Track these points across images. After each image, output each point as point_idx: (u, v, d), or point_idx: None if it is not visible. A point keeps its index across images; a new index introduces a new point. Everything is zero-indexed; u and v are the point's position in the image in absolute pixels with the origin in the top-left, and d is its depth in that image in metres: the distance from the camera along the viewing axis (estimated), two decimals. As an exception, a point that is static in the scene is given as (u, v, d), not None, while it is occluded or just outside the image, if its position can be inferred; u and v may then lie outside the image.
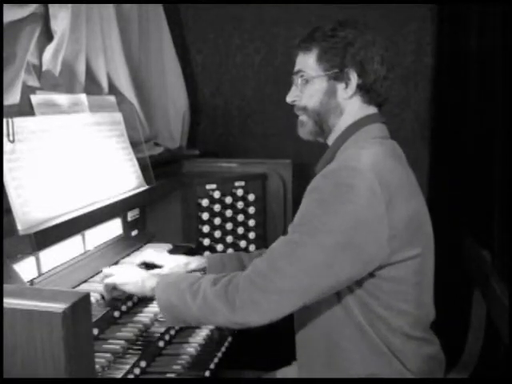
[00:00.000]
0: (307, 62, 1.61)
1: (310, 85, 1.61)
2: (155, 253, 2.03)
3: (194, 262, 1.99)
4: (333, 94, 1.59)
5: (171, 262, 1.96)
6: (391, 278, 1.48)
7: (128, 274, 1.66)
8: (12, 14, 1.83)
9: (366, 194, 1.40)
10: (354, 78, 1.56)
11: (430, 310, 1.62)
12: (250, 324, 1.47)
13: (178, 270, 1.96)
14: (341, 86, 1.58)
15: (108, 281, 1.65)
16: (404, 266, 1.48)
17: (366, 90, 1.57)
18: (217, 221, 2.42)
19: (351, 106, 1.59)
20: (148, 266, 1.96)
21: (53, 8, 2.02)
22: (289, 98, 1.67)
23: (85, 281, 1.80)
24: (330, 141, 1.65)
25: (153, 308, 1.78)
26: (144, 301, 1.83)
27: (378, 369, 1.52)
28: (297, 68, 1.64)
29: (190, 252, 2.27)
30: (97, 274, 1.87)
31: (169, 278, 1.62)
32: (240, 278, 1.48)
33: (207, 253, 2.11)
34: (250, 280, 1.45)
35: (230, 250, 2.45)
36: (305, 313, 1.55)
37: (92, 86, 2.25)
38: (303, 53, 1.62)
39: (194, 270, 1.98)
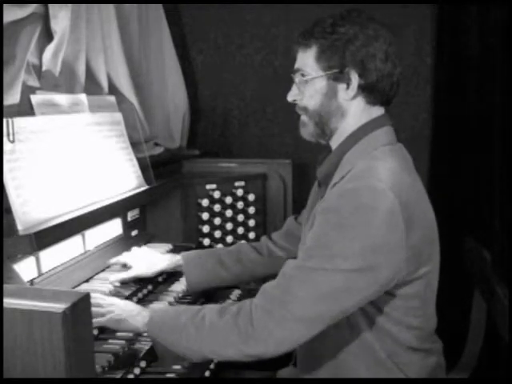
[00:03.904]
0: (306, 61, 1.52)
1: (310, 85, 1.52)
2: (132, 252, 1.99)
3: (162, 262, 1.94)
4: (333, 95, 1.49)
5: (141, 265, 1.91)
6: (403, 295, 1.45)
7: (118, 310, 1.56)
8: (12, 14, 1.83)
9: (387, 216, 1.34)
10: (354, 79, 1.47)
11: (434, 319, 1.59)
12: (265, 355, 1.39)
13: (146, 272, 1.90)
14: (342, 87, 1.48)
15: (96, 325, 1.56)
16: (417, 284, 1.45)
17: (369, 90, 1.48)
18: (217, 221, 2.42)
19: (355, 108, 1.50)
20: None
21: (53, 8, 2.02)
22: (289, 97, 1.59)
23: (85, 281, 1.80)
24: (334, 144, 1.56)
25: (152, 308, 1.78)
26: (144, 301, 1.83)
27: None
28: (296, 66, 1.56)
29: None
30: (97, 273, 1.88)
31: (162, 313, 1.55)
32: (252, 306, 1.40)
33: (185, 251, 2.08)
34: (264, 309, 1.38)
35: (229, 250, 2.45)
36: None
37: (92, 85, 2.25)
38: (302, 50, 1.54)
39: (164, 272, 1.94)
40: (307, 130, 1.58)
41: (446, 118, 2.72)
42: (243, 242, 2.03)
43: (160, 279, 1.98)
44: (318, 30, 1.51)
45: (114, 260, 1.96)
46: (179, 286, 1.95)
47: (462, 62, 2.66)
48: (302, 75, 1.54)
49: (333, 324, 1.41)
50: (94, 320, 1.51)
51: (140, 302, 1.80)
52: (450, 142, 2.72)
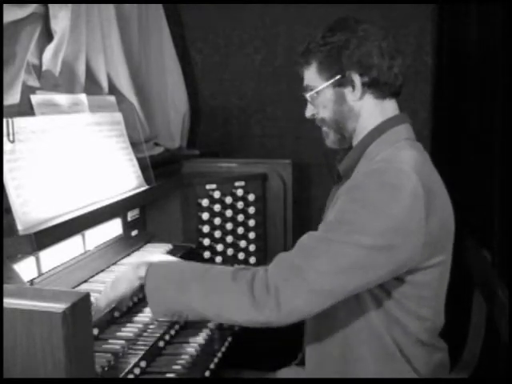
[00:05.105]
0: (311, 76, 1.62)
1: (320, 97, 1.61)
2: (163, 254, 2.02)
3: None
4: (343, 100, 1.58)
5: None
6: (416, 283, 1.47)
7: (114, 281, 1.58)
8: (12, 14, 1.83)
9: (410, 196, 1.38)
10: (357, 79, 1.55)
11: (443, 315, 1.61)
12: (274, 323, 1.40)
13: None
14: (348, 90, 1.57)
15: (101, 304, 1.57)
16: (430, 272, 1.47)
17: (374, 86, 1.56)
18: (217, 221, 2.42)
19: (366, 106, 1.58)
20: None
21: (53, 8, 2.02)
22: (307, 114, 1.68)
23: (85, 281, 1.80)
24: (355, 143, 1.62)
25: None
26: (144, 301, 1.83)
27: (390, 375, 1.51)
28: (304, 84, 1.65)
29: (190, 252, 2.28)
30: (97, 273, 1.88)
31: (162, 265, 1.53)
32: (268, 273, 1.41)
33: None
34: (280, 276, 1.39)
35: (230, 250, 2.45)
36: (319, 316, 1.48)
37: (92, 85, 2.25)
38: (305, 68, 1.63)
39: None
40: (330, 140, 1.67)
41: (446, 118, 2.72)
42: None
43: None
44: (313, 45, 1.60)
45: (154, 258, 1.93)
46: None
47: (461, 62, 2.66)
48: (311, 90, 1.62)
49: (341, 306, 1.44)
50: (95, 305, 1.53)
51: (140, 301, 1.81)
52: (449, 142, 2.72)
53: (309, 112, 1.68)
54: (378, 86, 1.56)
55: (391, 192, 1.38)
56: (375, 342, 1.50)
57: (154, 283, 1.49)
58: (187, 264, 1.59)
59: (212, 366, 1.73)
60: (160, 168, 2.35)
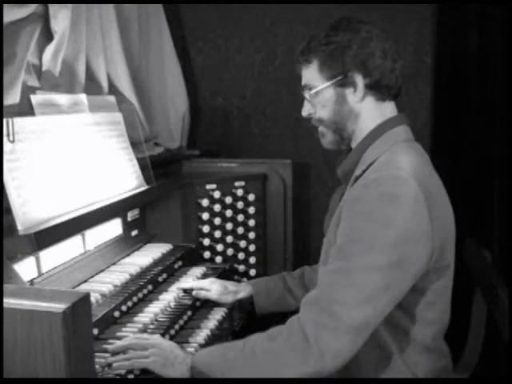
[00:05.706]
0: (311, 75, 1.58)
1: (320, 97, 1.57)
2: (195, 280, 2.03)
3: (243, 290, 1.97)
4: (343, 100, 1.55)
5: (219, 287, 1.94)
6: (422, 288, 1.46)
7: (162, 354, 1.51)
8: (12, 14, 1.83)
9: (412, 203, 1.36)
10: (359, 80, 1.52)
11: (449, 316, 1.60)
12: (323, 371, 1.37)
13: (227, 296, 1.94)
14: (349, 91, 1.54)
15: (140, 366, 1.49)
16: (437, 276, 1.46)
17: (376, 88, 1.53)
18: (217, 221, 2.42)
19: (366, 108, 1.55)
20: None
21: (53, 8, 2.02)
22: (304, 113, 1.64)
23: (85, 281, 1.80)
24: (353, 144, 1.60)
25: (153, 308, 1.78)
26: (144, 301, 1.83)
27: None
28: (303, 82, 1.62)
29: (191, 252, 2.28)
30: (97, 273, 1.88)
31: (206, 353, 1.51)
32: (301, 323, 1.37)
33: (246, 280, 2.13)
34: (315, 323, 1.36)
35: (230, 250, 2.45)
36: None
37: (92, 86, 2.25)
38: (305, 66, 1.60)
39: (243, 299, 1.96)
40: (327, 140, 1.63)
41: (446, 118, 2.72)
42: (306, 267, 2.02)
43: (160, 279, 1.98)
44: (314, 44, 1.56)
45: (188, 285, 1.97)
46: (179, 286, 1.96)
47: (461, 62, 2.66)
48: (310, 89, 1.59)
49: None
50: (138, 361, 1.48)
51: (140, 301, 1.81)
52: (449, 142, 2.72)
53: (305, 111, 1.63)
54: (379, 89, 1.53)
55: (392, 201, 1.37)
56: (379, 351, 1.49)
57: (201, 373, 1.47)
58: (226, 345, 1.55)
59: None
60: (160, 168, 2.35)
